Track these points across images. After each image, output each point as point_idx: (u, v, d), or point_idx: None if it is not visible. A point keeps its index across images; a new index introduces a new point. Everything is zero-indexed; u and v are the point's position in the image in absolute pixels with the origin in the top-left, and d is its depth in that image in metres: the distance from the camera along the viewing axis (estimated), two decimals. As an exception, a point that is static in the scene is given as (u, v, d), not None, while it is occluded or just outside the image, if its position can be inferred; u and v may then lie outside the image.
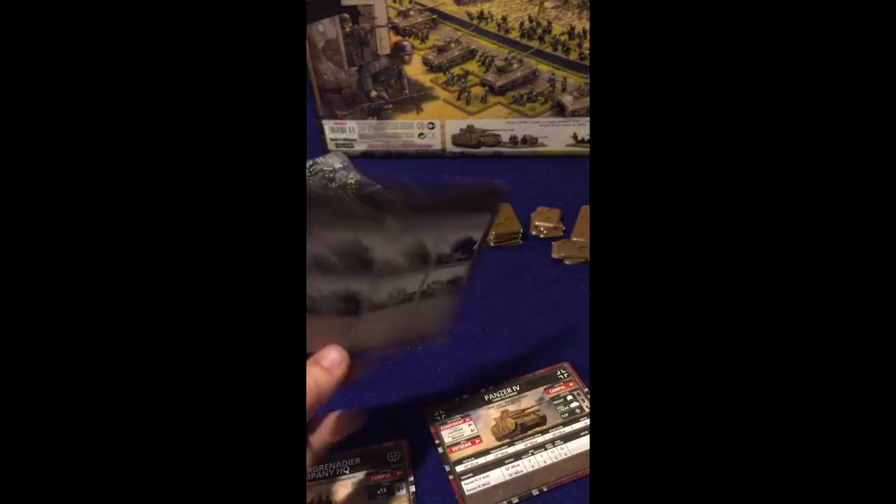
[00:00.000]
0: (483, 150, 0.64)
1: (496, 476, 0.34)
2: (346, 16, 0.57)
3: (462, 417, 0.37)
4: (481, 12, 0.56)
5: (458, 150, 0.65)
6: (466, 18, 0.57)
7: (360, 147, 0.66)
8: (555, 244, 0.52)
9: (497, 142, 0.64)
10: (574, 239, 0.52)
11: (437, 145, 0.65)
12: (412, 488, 0.33)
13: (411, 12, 0.57)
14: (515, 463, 0.34)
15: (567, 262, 0.51)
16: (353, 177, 0.62)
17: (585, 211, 0.55)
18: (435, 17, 0.57)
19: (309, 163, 0.65)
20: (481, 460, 0.35)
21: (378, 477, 0.34)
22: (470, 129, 0.63)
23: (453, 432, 0.36)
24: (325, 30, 0.58)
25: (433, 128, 0.63)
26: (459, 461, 0.35)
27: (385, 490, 0.33)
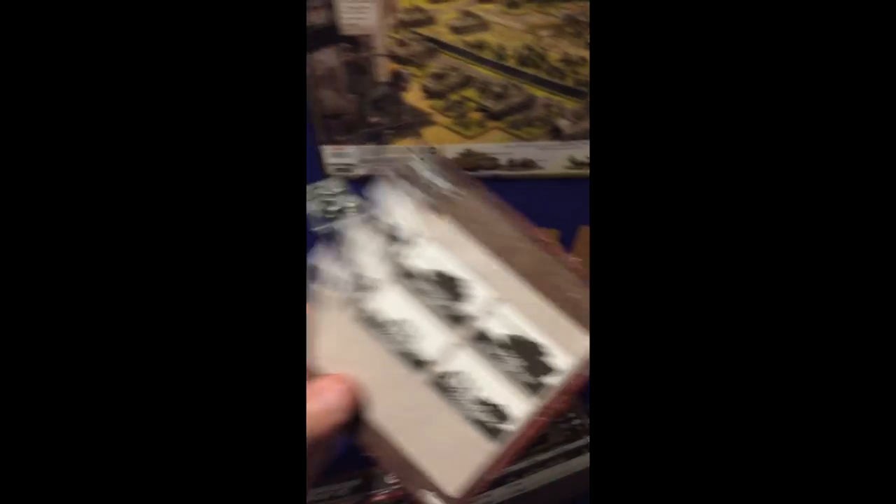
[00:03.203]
0: (481, 173, 0.65)
1: (499, 494, 0.33)
2: (346, 45, 0.59)
3: (464, 436, 0.37)
4: (478, 41, 0.58)
5: (456, 174, 0.66)
6: (464, 47, 0.59)
7: (360, 171, 0.67)
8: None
9: (495, 165, 0.65)
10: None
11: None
12: None
13: (410, 42, 0.58)
14: (518, 481, 0.34)
15: (566, 282, 0.51)
16: (352, 200, 0.63)
17: (584, 232, 0.56)
18: (433, 46, 0.59)
19: (309, 187, 0.66)
20: (484, 479, 0.34)
21: (380, 497, 0.34)
22: (468, 153, 0.64)
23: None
24: (325, 58, 0.59)
25: (433, 152, 0.64)
26: (462, 480, 0.34)
27: (387, 511, 0.33)
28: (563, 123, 0.61)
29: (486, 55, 0.59)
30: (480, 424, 0.23)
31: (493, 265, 0.24)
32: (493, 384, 0.23)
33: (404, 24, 0.58)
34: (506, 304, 0.23)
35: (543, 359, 0.22)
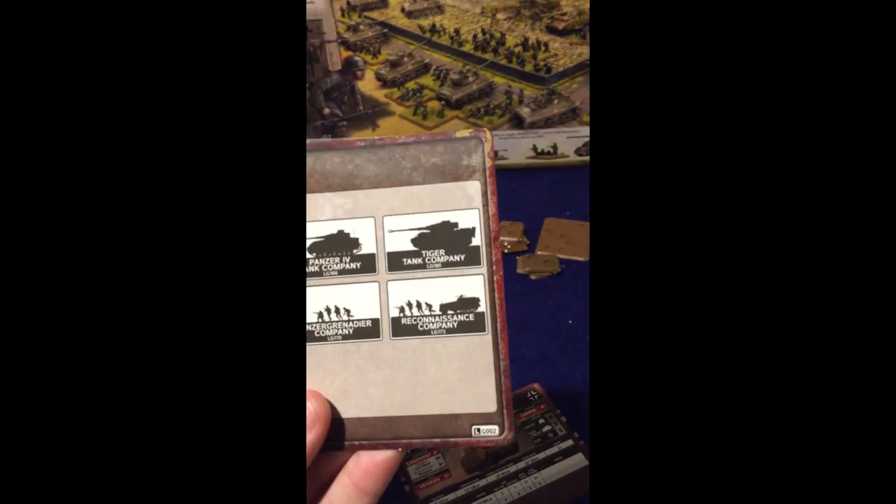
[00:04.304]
0: (442, 165, 0.63)
1: (468, 513, 0.31)
2: (294, 31, 0.55)
3: (429, 450, 0.35)
4: (433, 25, 0.55)
5: (416, 166, 0.63)
6: (418, 32, 0.56)
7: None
8: (519, 259, 0.50)
9: (456, 156, 0.62)
10: (539, 253, 0.51)
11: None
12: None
13: (361, 27, 0.55)
14: (487, 497, 0.32)
15: (533, 277, 0.49)
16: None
17: (549, 223, 0.54)
18: (386, 31, 0.55)
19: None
20: (451, 496, 0.32)
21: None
22: (428, 144, 0.61)
23: (420, 468, 0.34)
24: (271, 46, 0.55)
25: (390, 144, 0.61)
26: (428, 499, 0.32)
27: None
28: (525, 111, 0.59)
29: (442, 40, 0.56)
30: (462, 326, 0.21)
31: (349, 198, 0.22)
32: (439, 287, 0.21)
33: (354, 8, 0.55)
34: (387, 218, 0.22)
35: (455, 230, 0.21)
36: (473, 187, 0.21)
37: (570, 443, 0.34)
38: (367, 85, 0.58)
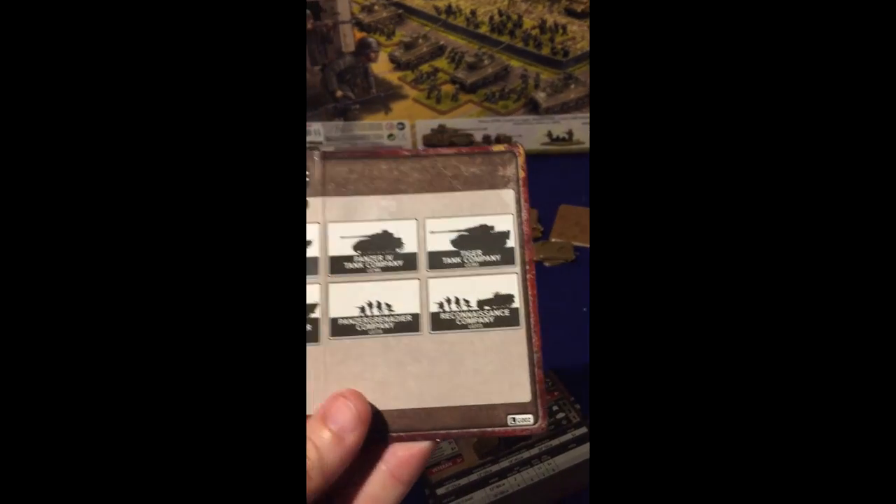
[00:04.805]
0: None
1: (480, 498, 0.31)
2: (308, 12, 0.54)
3: (441, 435, 0.34)
4: (449, 6, 0.54)
5: (429, 151, 0.62)
6: (434, 13, 0.55)
7: (327, 150, 0.63)
8: (534, 246, 0.50)
9: (470, 142, 0.61)
10: (553, 240, 0.50)
11: (407, 146, 0.62)
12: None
13: (376, 7, 0.54)
14: (500, 482, 0.32)
15: (547, 264, 0.49)
16: (319, 181, 0.59)
17: (564, 210, 0.53)
18: (401, 11, 0.55)
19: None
20: (463, 481, 0.32)
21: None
22: (441, 128, 0.61)
23: (432, 452, 0.34)
24: (285, 26, 0.55)
25: (403, 128, 0.61)
26: (440, 483, 0.32)
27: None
28: (541, 96, 0.58)
29: (458, 22, 0.55)
30: (497, 321, 0.22)
31: (394, 201, 0.24)
32: (476, 284, 0.23)
33: (369, -11, 0.54)
34: (429, 220, 0.24)
35: (492, 233, 0.23)
36: (508, 195, 0.23)
37: (583, 430, 0.34)
38: (381, 67, 0.57)
